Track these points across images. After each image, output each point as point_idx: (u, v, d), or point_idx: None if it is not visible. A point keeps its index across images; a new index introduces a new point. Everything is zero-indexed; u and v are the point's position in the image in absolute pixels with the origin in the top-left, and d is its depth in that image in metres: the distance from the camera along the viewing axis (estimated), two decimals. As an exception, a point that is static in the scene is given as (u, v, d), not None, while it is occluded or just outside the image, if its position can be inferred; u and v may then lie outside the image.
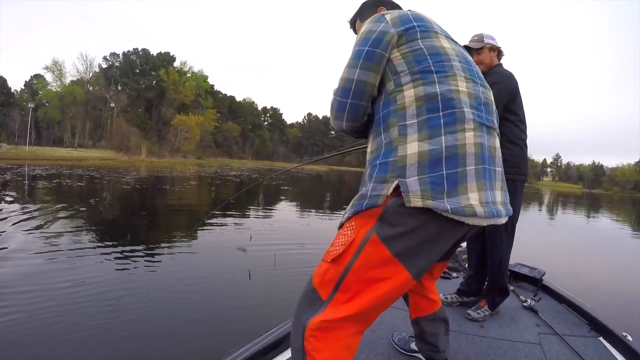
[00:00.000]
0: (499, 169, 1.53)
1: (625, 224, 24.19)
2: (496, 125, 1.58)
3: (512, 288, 3.77)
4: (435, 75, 1.45)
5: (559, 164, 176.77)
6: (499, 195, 1.49)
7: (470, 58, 1.66)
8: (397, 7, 1.89)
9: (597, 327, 2.95)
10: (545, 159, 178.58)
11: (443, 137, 1.36)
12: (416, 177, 1.33)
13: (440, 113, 1.39)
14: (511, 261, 3.71)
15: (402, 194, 1.33)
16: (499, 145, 1.56)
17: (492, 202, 1.42)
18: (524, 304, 3.44)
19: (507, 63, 3.38)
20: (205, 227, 9.90)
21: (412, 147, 1.37)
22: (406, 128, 1.41)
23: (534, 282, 3.94)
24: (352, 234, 1.43)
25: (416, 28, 1.54)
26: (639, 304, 6.30)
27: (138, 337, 3.92)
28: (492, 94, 1.65)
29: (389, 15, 1.58)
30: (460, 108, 1.41)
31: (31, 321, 4.02)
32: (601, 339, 2.83)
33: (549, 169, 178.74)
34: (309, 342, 1.38)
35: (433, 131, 1.37)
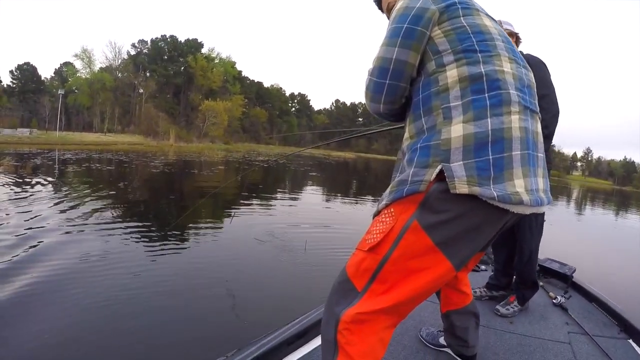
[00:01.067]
0: (541, 154, 1.44)
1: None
2: (538, 109, 1.48)
3: (541, 284, 3.67)
4: (479, 55, 1.37)
5: (589, 158, 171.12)
6: (542, 182, 1.41)
7: (510, 38, 1.54)
8: None
9: (628, 329, 2.86)
10: (575, 153, 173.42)
11: (489, 120, 1.29)
12: (461, 162, 1.26)
13: (486, 94, 1.32)
14: (541, 256, 3.70)
15: (447, 180, 1.25)
16: (541, 130, 1.47)
17: (535, 189, 1.34)
18: (554, 300, 3.35)
19: (540, 50, 2.98)
20: (236, 212, 9.97)
21: (457, 130, 1.29)
22: (450, 110, 1.33)
23: (564, 279, 3.83)
24: (392, 222, 1.35)
25: (457, 4, 1.45)
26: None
27: (157, 313, 4.05)
28: (533, 76, 1.53)
29: None
30: (506, 89, 1.34)
31: (56, 291, 4.31)
32: (631, 341, 2.74)
33: (579, 163, 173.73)
34: (343, 335, 1.33)
35: (479, 113, 1.29)
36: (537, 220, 3.02)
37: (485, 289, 3.34)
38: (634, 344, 2.69)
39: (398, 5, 1.49)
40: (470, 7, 1.46)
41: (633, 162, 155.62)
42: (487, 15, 1.52)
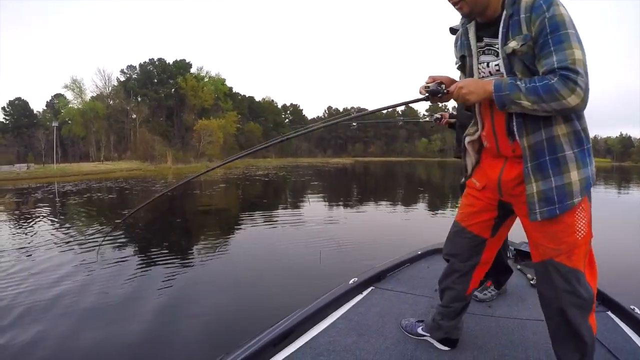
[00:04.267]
0: None
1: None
2: None
3: (519, 267, 3.86)
4: None
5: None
6: None
7: None
8: None
9: (605, 301, 2.97)
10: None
11: None
12: None
13: None
14: (517, 240, 3.93)
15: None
16: None
17: None
18: (531, 281, 3.46)
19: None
20: (250, 226, 10.16)
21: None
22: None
23: None
24: (586, 215, 1.75)
25: None
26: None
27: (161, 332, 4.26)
28: None
29: None
30: None
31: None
32: (609, 313, 2.86)
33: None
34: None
35: None
36: None
37: None
38: (612, 315, 2.81)
39: (562, 11, 1.56)
40: None
41: (630, 137, 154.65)
42: None
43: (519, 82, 1.60)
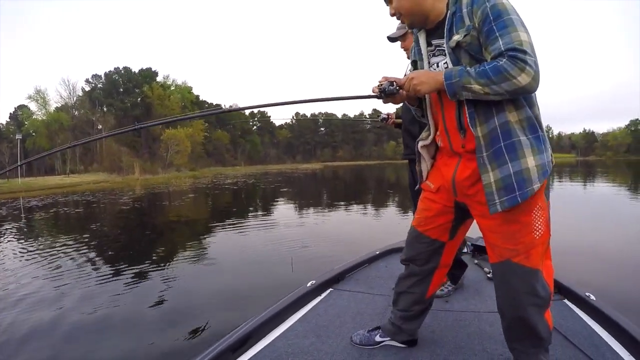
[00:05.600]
0: None
1: (601, 184, 24.60)
2: None
3: (476, 261, 3.97)
4: None
5: (550, 136, 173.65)
6: None
7: None
8: None
9: (561, 290, 3.05)
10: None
11: None
12: None
13: None
14: (474, 235, 3.99)
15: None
16: None
17: None
18: (488, 275, 3.54)
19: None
20: (221, 235, 10.00)
21: None
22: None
23: None
24: (543, 213, 1.77)
25: None
26: (600, 264, 6.53)
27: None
28: None
29: None
30: None
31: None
32: (566, 301, 2.96)
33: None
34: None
35: None
36: None
37: None
38: (569, 303, 2.92)
39: (503, 0, 1.64)
40: None
41: (593, 132, 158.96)
42: None
43: (468, 68, 1.64)
